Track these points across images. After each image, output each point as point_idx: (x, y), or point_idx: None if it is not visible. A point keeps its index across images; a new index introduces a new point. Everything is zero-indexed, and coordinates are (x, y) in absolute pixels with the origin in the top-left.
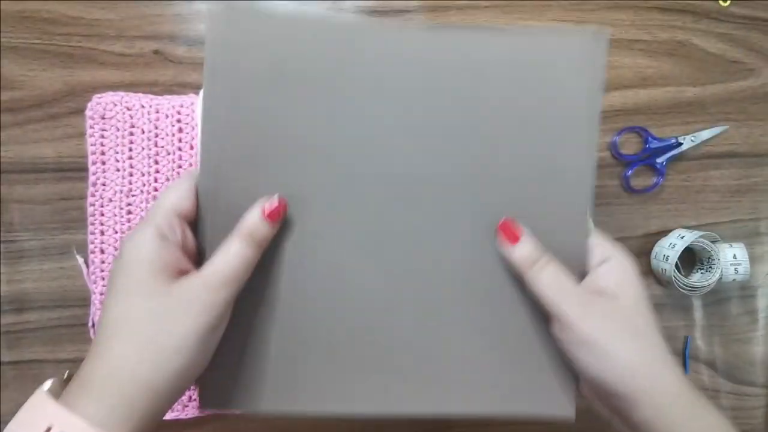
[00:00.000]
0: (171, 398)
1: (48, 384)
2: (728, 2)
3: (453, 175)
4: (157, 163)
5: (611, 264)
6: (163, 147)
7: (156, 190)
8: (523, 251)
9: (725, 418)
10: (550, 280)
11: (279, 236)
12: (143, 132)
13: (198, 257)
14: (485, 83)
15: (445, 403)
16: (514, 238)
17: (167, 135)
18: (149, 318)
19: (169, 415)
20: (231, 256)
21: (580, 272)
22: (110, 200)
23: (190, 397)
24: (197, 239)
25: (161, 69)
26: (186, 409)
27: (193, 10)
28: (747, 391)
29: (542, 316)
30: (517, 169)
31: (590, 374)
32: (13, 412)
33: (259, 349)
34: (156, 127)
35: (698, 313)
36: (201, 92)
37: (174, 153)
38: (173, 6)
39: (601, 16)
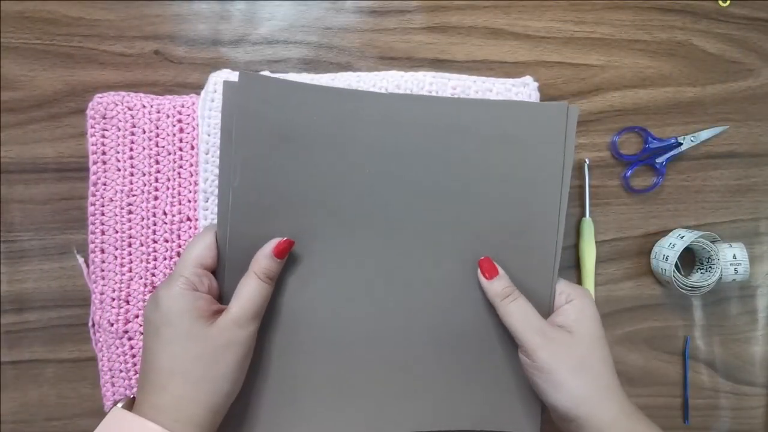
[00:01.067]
0: (222, 414)
1: (121, 404)
2: (727, 2)
3: (439, 227)
4: (157, 162)
5: (573, 303)
6: (164, 147)
7: (157, 190)
8: (498, 285)
9: None
10: (517, 312)
11: (283, 278)
12: (144, 132)
13: (220, 295)
14: (470, 148)
15: (427, 422)
16: (492, 274)
17: (168, 135)
18: (198, 359)
19: None
20: (251, 294)
21: (546, 311)
22: (111, 200)
23: None
24: (218, 281)
25: (161, 69)
26: None
27: (193, 10)
28: (746, 391)
29: (513, 348)
30: (495, 224)
31: (546, 399)
32: (13, 412)
33: (255, 383)
34: (157, 127)
35: (698, 313)
36: (202, 93)
37: (175, 153)
38: (173, 6)
39: (601, 17)
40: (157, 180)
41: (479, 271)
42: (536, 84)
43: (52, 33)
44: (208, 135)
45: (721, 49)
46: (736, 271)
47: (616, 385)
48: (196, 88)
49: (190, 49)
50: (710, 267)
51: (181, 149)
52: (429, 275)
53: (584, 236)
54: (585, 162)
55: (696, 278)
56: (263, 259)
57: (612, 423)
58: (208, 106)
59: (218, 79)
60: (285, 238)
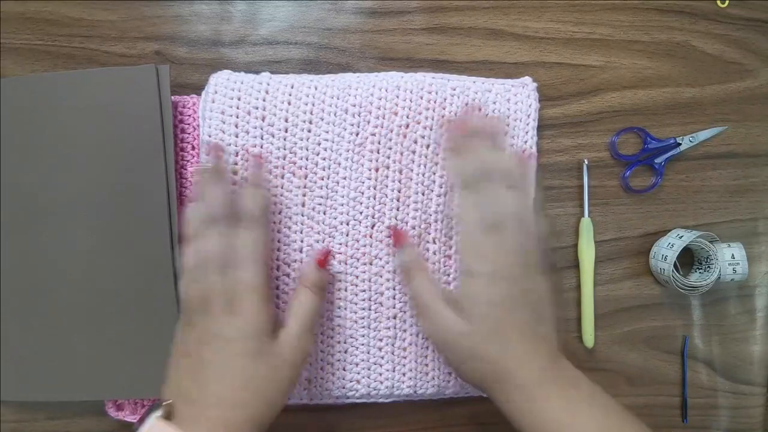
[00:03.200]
0: (269, 425)
1: (160, 412)
2: (726, 3)
3: (75, 204)
4: None
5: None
6: None
7: None
8: (399, 258)
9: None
10: (420, 285)
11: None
12: None
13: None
14: (74, 123)
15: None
16: (398, 243)
17: None
18: (266, 377)
19: None
20: (307, 308)
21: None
22: None
23: None
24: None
25: (161, 67)
26: None
27: (194, 11)
28: (745, 390)
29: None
30: (110, 194)
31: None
32: (14, 411)
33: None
34: None
35: (696, 313)
36: (203, 94)
37: (176, 153)
38: (174, 7)
39: (599, 17)
40: None
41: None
42: (535, 84)
43: (53, 34)
44: (209, 136)
45: (720, 50)
46: (734, 270)
47: (538, 342)
48: (197, 88)
49: (190, 49)
50: (709, 267)
51: (183, 149)
52: (80, 249)
53: (583, 236)
54: (584, 162)
55: (695, 278)
56: (312, 273)
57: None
58: (208, 107)
59: (219, 80)
60: (323, 249)
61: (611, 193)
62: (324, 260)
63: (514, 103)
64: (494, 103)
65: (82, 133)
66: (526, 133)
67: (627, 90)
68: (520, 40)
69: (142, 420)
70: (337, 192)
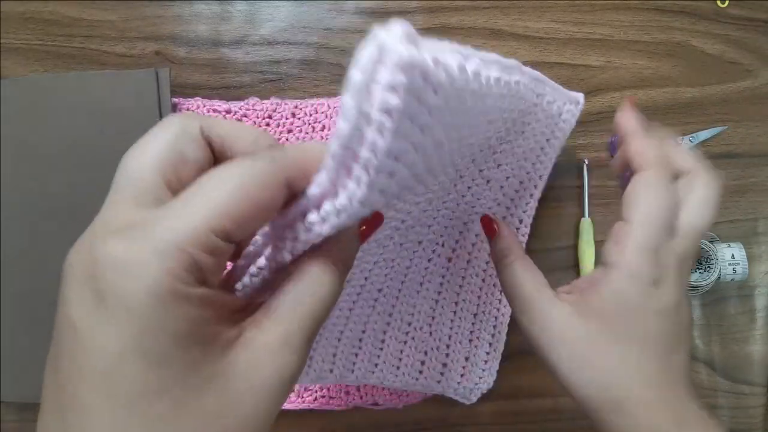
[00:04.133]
0: None
1: None
2: (726, 3)
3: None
4: None
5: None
6: None
7: None
8: (499, 245)
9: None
10: (509, 279)
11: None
12: None
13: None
14: (84, 124)
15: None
16: (492, 232)
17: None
18: (198, 418)
19: None
20: (322, 293)
21: None
22: None
23: None
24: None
25: (162, 71)
26: None
27: (194, 11)
28: (745, 390)
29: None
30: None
31: (560, 379)
32: (14, 411)
33: None
34: None
35: (696, 313)
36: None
37: None
38: (174, 7)
39: (600, 17)
40: None
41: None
42: (582, 105)
43: (53, 34)
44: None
45: (720, 50)
46: (734, 270)
47: (656, 387)
48: (197, 88)
49: (191, 49)
50: (709, 267)
51: None
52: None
53: (584, 237)
54: (584, 162)
55: (694, 278)
56: (345, 240)
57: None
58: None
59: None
60: (376, 214)
61: (611, 193)
62: (369, 231)
63: (562, 121)
64: (539, 111)
65: (82, 135)
66: (555, 150)
67: (627, 90)
68: (520, 40)
69: None
70: None
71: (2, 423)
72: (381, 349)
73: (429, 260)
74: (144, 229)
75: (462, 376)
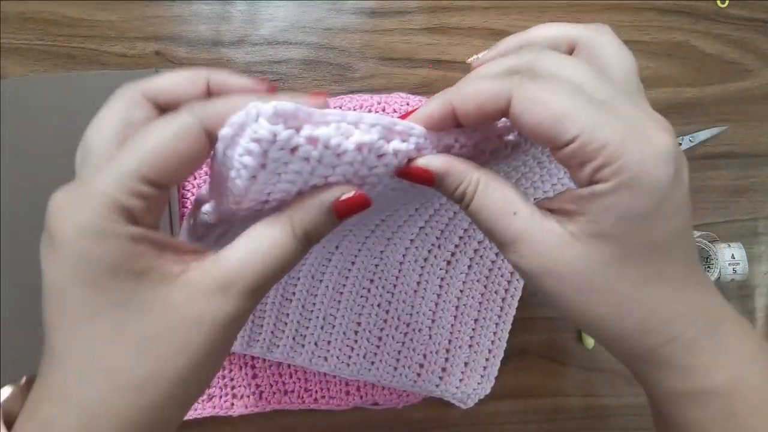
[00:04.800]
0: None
1: (6, 393)
2: (726, 3)
3: None
4: None
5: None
6: None
7: None
8: (444, 185)
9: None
10: (481, 211)
11: None
12: None
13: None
14: None
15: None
16: (430, 182)
17: None
18: (132, 347)
19: None
20: (271, 248)
21: None
22: None
23: None
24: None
25: (162, 70)
26: None
27: (194, 11)
28: None
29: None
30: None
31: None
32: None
33: None
34: None
35: None
36: None
37: None
38: (174, 7)
39: (600, 18)
40: None
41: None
42: None
43: (53, 34)
44: None
45: (720, 50)
46: (734, 270)
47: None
48: None
49: (191, 50)
50: (709, 267)
51: None
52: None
53: None
54: None
55: None
56: (312, 213)
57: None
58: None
59: None
60: (358, 191)
61: None
62: (345, 208)
63: None
64: None
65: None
66: None
67: None
68: None
69: None
70: None
71: None
72: (378, 346)
73: (425, 260)
74: (81, 182)
75: (461, 381)
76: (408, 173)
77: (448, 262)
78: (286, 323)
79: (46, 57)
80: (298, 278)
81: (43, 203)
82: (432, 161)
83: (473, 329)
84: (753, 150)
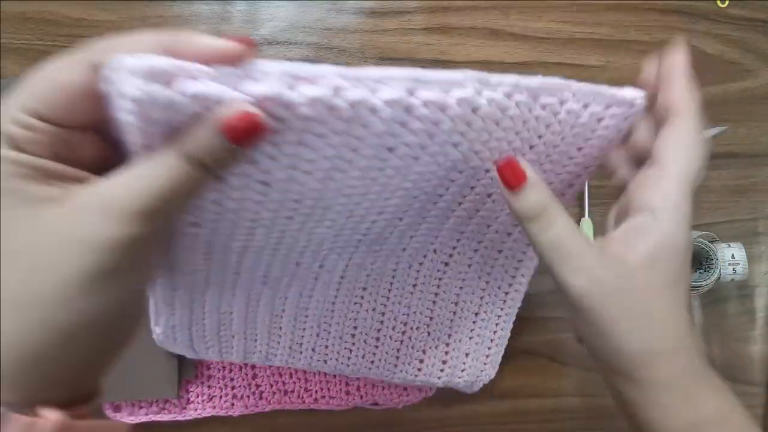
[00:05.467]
0: (64, 376)
1: None
2: (726, 3)
3: None
4: None
5: (637, 220)
6: None
7: None
8: (521, 203)
9: (733, 405)
10: (549, 244)
11: None
12: None
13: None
14: None
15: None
16: (517, 183)
17: None
18: (9, 254)
19: (165, 416)
20: (157, 172)
21: None
22: None
23: (188, 400)
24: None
25: None
26: (184, 411)
27: (194, 11)
28: (745, 390)
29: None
30: None
31: (588, 345)
32: None
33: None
34: None
35: (697, 313)
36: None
37: None
38: (174, 7)
39: (600, 17)
40: None
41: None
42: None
43: (53, 34)
44: None
45: (720, 50)
46: (734, 270)
47: (686, 336)
48: None
49: None
50: (709, 267)
51: None
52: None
53: None
54: None
55: (694, 278)
56: (200, 132)
57: (669, 382)
58: None
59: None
60: (252, 112)
61: (611, 193)
62: (233, 129)
63: (596, 120)
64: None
65: None
66: (594, 158)
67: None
68: (520, 40)
69: None
70: None
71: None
72: (376, 347)
73: (420, 264)
74: None
75: (463, 371)
76: (505, 166)
77: (446, 264)
78: (280, 336)
79: (45, 57)
80: (286, 297)
81: None
82: (528, 168)
83: (474, 322)
84: (753, 150)
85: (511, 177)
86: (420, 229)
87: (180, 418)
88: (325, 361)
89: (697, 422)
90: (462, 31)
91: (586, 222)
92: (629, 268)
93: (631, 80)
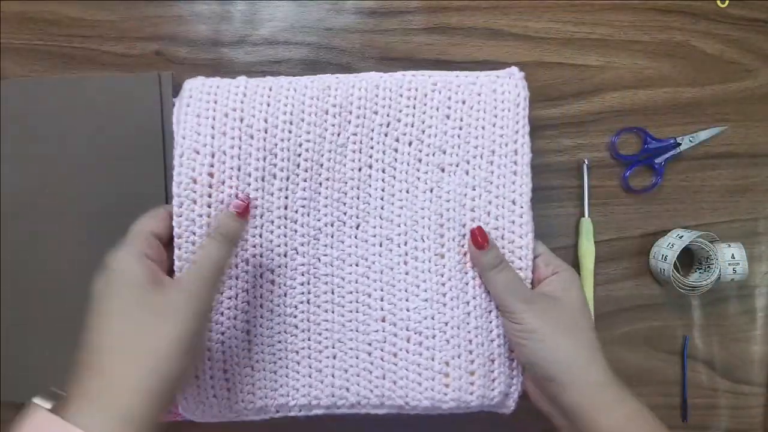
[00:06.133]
0: (165, 402)
1: (39, 401)
2: (726, 3)
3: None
4: None
5: (560, 275)
6: None
7: None
8: (488, 257)
9: (645, 407)
10: (505, 281)
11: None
12: None
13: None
14: (87, 125)
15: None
16: (482, 244)
17: None
18: (138, 330)
19: (165, 417)
20: (206, 255)
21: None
22: None
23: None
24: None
25: (163, 70)
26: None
27: (194, 11)
28: (745, 390)
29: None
30: (111, 196)
31: (531, 359)
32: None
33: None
34: None
35: (697, 313)
36: (176, 100)
37: None
38: (174, 7)
39: (599, 17)
40: None
41: (469, 239)
42: (522, 74)
43: (53, 34)
44: (183, 138)
45: (720, 50)
46: (734, 270)
47: (600, 352)
48: None
49: (191, 49)
50: (709, 267)
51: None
52: (79, 252)
53: (583, 236)
54: (584, 162)
55: (694, 278)
56: (223, 219)
57: (603, 384)
58: (183, 111)
59: (193, 85)
60: (244, 197)
61: (611, 193)
62: (243, 210)
63: (501, 93)
64: (479, 95)
65: (84, 138)
66: (517, 122)
67: (627, 90)
68: (520, 40)
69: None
70: (320, 194)
71: (2, 423)
72: (395, 364)
73: (408, 255)
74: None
75: (493, 380)
76: (475, 232)
77: (441, 256)
78: (296, 371)
79: (45, 57)
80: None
81: (42, 203)
82: (489, 235)
83: (490, 321)
84: (753, 150)
85: (481, 239)
86: (397, 212)
87: (179, 418)
88: (347, 389)
89: (630, 414)
90: (462, 31)
91: (586, 222)
92: (555, 297)
93: (631, 80)
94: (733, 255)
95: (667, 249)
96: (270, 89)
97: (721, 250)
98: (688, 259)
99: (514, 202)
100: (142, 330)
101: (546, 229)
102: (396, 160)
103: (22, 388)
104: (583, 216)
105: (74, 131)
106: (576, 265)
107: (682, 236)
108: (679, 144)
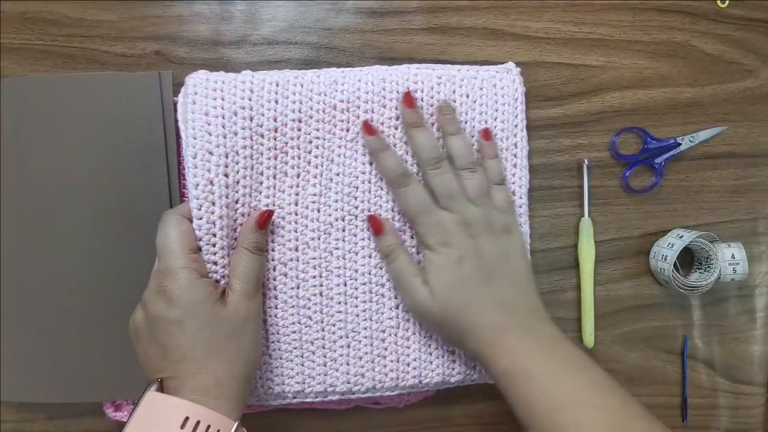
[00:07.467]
0: (253, 382)
1: (153, 387)
2: (726, 3)
3: (78, 203)
4: None
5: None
6: None
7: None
8: (382, 242)
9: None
10: (399, 266)
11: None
12: None
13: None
14: (82, 126)
15: None
16: (377, 231)
17: None
18: (227, 338)
19: None
20: (247, 267)
21: None
22: None
23: None
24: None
25: (163, 70)
26: None
27: (194, 11)
28: (745, 390)
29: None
30: (111, 198)
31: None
32: (14, 411)
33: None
34: None
35: (696, 313)
36: (180, 96)
37: (179, 162)
38: (174, 7)
39: (600, 17)
40: None
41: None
42: (519, 69)
43: (53, 34)
44: (195, 138)
45: (720, 50)
46: (734, 270)
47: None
48: None
49: (191, 49)
50: (709, 267)
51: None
52: (80, 251)
53: (583, 236)
54: (584, 162)
55: (695, 278)
56: (249, 233)
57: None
58: (189, 109)
59: (197, 80)
60: (264, 210)
61: (611, 193)
62: (263, 221)
63: (500, 88)
64: (481, 89)
65: (84, 137)
66: (515, 116)
67: (627, 90)
68: (520, 40)
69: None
70: (330, 189)
71: (2, 423)
72: (408, 347)
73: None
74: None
75: None
76: (370, 218)
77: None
78: (312, 361)
79: (45, 57)
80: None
81: (42, 202)
82: (387, 222)
83: None
84: (753, 150)
85: (376, 226)
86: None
87: None
88: (363, 374)
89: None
90: (462, 31)
91: (586, 222)
92: (433, 299)
93: (631, 80)
94: (733, 255)
95: (667, 249)
96: (277, 84)
97: (721, 250)
98: (688, 259)
99: (513, 194)
100: (231, 337)
101: (546, 228)
102: (406, 152)
103: (22, 388)
104: (584, 216)
105: (74, 131)
106: (576, 265)
107: (682, 236)
108: (679, 144)
